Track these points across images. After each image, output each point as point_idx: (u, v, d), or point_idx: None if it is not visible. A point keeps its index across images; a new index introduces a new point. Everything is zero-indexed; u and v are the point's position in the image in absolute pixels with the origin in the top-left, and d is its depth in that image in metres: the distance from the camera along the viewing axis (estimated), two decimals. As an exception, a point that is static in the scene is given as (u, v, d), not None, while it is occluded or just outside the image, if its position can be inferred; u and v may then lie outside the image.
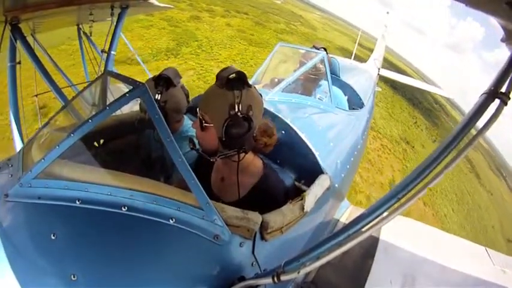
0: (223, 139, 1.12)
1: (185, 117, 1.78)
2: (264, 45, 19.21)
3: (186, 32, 17.34)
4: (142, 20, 16.16)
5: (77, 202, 0.92)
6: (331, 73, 2.58)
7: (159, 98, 1.53)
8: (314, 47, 2.75)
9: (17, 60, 2.19)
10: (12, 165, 1.12)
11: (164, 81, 1.56)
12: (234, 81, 1.11)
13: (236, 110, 1.08)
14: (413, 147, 15.53)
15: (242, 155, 1.17)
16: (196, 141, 1.22)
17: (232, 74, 1.10)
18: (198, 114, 1.17)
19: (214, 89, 1.14)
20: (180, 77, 1.65)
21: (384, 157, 12.79)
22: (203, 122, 1.14)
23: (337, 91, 2.93)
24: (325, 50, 2.68)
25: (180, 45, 15.52)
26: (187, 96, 1.70)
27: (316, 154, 1.70)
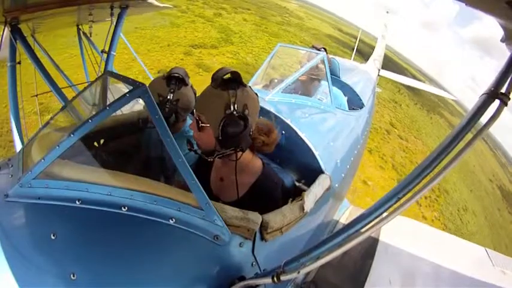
0: (220, 138, 1.14)
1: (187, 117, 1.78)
2: (278, 36, 24.60)
3: (223, 26, 22.07)
4: (181, 17, 20.68)
5: (77, 202, 0.92)
6: (331, 74, 2.58)
7: (171, 97, 1.54)
8: (313, 47, 2.75)
9: (17, 61, 2.19)
10: (12, 165, 1.12)
11: (176, 80, 1.57)
12: (228, 81, 1.13)
13: (231, 109, 1.10)
14: (400, 105, 21.82)
15: (239, 153, 1.18)
16: (194, 142, 1.23)
17: (227, 74, 1.12)
18: (195, 115, 1.19)
19: (210, 90, 1.15)
20: (189, 77, 1.66)
21: (381, 109, 18.27)
22: (200, 122, 1.16)
23: (337, 92, 2.93)
24: (325, 50, 2.68)
25: (228, 35, 20.35)
26: (195, 95, 1.71)
27: (316, 154, 1.70)
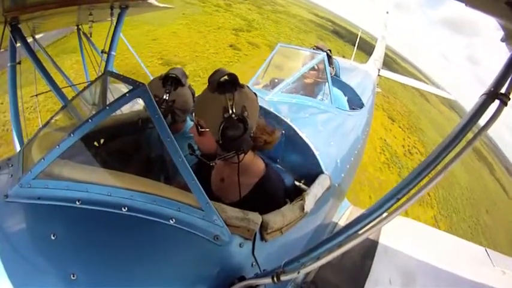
0: (221, 142, 1.13)
1: (188, 117, 1.78)
2: (279, 22, 29.46)
3: (239, 14, 25.89)
4: (205, 7, 24.28)
5: (77, 202, 0.92)
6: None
7: (167, 98, 1.54)
8: (317, 47, 2.75)
9: (17, 61, 2.18)
10: (12, 165, 1.12)
11: (172, 80, 1.57)
12: (225, 84, 1.11)
13: (230, 112, 1.09)
14: (381, 77, 24.98)
15: (241, 156, 1.17)
16: (195, 146, 1.23)
17: (223, 76, 1.10)
18: (194, 120, 1.18)
19: (207, 94, 1.14)
20: (187, 77, 1.65)
21: (365, 77, 22.88)
22: (199, 127, 1.15)
23: (337, 92, 2.93)
24: (329, 51, 2.69)
25: (250, 22, 24.38)
26: (193, 95, 1.71)
27: (316, 154, 1.70)
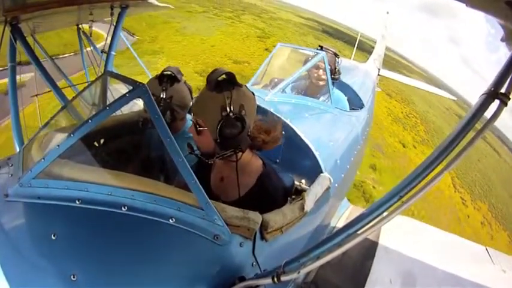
0: (219, 141, 1.14)
1: (188, 117, 1.79)
2: (282, 28, 33.48)
3: (251, 24, 29.74)
4: (222, 19, 27.64)
5: (77, 202, 0.92)
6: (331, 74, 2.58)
7: (164, 96, 1.55)
8: (321, 48, 2.74)
9: (17, 60, 2.18)
10: (12, 165, 1.12)
11: (168, 77, 1.58)
12: (223, 83, 1.13)
13: (228, 110, 1.10)
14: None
15: (239, 154, 1.18)
16: (194, 145, 1.24)
17: (222, 75, 1.12)
18: (192, 119, 1.19)
19: (205, 93, 1.15)
20: (182, 74, 1.66)
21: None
22: (197, 126, 1.16)
23: (337, 92, 2.92)
24: (335, 54, 2.68)
25: (263, 31, 28.18)
26: (190, 92, 1.71)
27: (316, 154, 1.70)
